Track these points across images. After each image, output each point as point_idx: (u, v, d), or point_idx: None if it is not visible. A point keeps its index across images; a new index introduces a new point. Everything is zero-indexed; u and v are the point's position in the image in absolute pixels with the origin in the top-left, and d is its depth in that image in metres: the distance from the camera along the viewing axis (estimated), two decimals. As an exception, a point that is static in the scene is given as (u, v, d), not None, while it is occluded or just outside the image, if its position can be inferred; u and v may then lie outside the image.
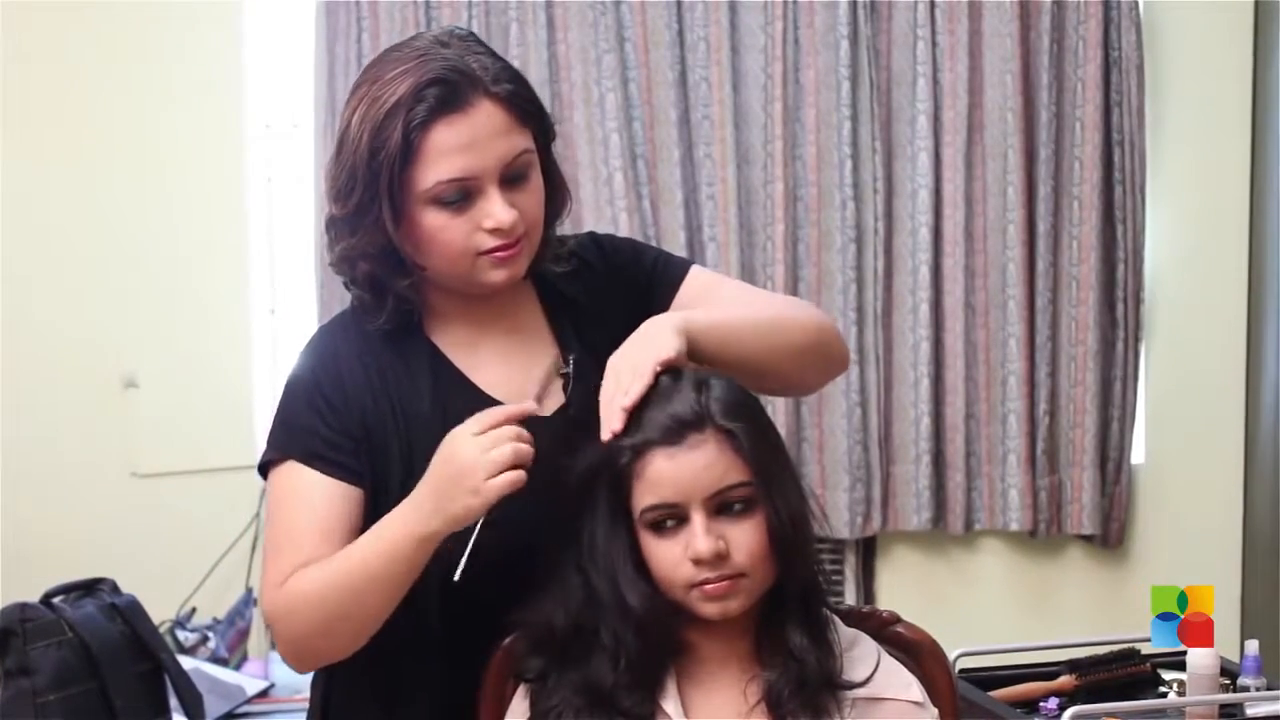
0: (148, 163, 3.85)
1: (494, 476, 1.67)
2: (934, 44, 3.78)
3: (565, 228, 1.97)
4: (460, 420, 1.74)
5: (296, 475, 1.81)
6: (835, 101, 3.77)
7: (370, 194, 1.77)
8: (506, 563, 1.73)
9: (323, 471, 1.80)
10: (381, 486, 1.81)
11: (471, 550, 1.70)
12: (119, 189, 3.84)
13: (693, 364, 1.74)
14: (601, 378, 1.73)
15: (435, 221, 1.78)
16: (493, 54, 1.83)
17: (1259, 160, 3.84)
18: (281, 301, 3.99)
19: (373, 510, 1.79)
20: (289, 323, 3.98)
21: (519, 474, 1.68)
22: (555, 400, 1.86)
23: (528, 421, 1.75)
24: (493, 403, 1.82)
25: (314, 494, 1.80)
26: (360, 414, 1.82)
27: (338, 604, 1.75)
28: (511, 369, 1.87)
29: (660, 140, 3.78)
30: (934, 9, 3.77)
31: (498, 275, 1.81)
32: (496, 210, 1.77)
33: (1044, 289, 3.82)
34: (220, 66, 3.88)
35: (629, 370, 1.70)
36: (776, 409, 3.65)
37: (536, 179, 1.83)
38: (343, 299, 3.71)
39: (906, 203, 3.82)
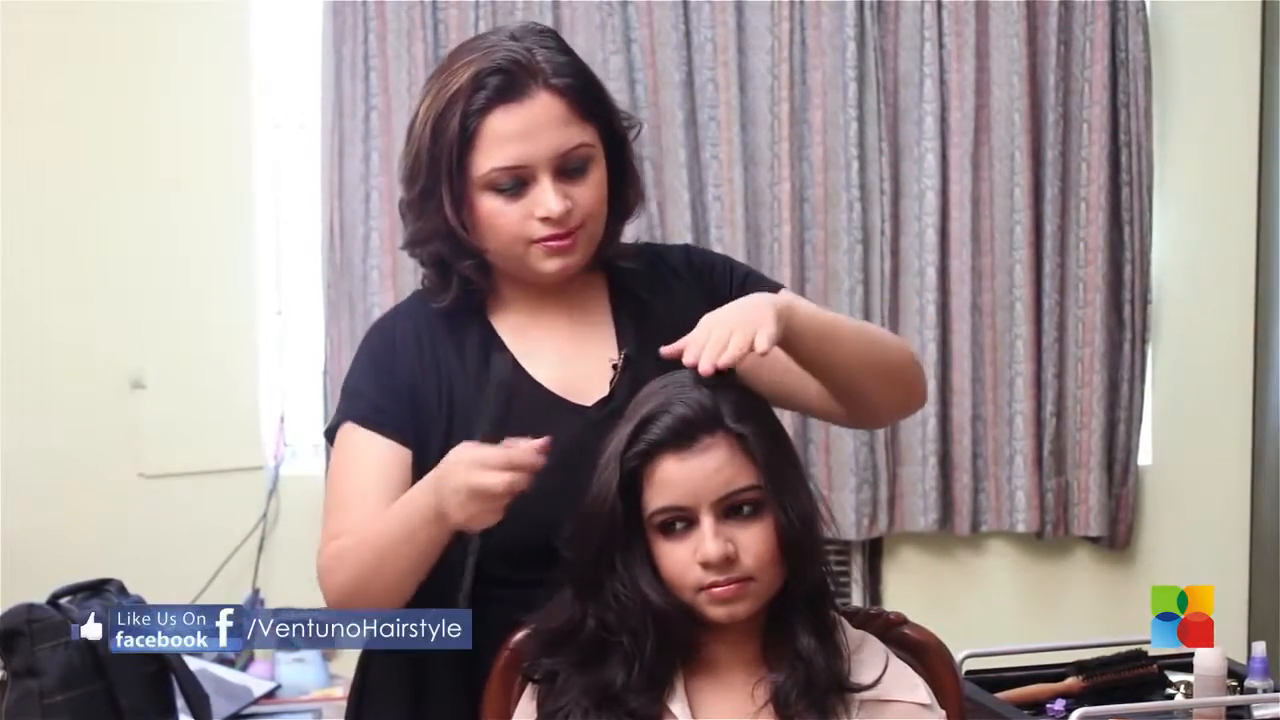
0: (154, 162, 3.85)
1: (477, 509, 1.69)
2: (941, 45, 3.78)
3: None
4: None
5: (349, 437, 1.88)
6: (842, 102, 3.77)
7: (433, 179, 1.85)
8: (542, 553, 1.75)
9: (373, 430, 1.86)
10: (423, 454, 1.84)
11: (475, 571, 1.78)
12: (125, 188, 3.84)
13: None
14: (652, 379, 1.74)
15: (491, 207, 1.84)
16: (564, 50, 1.89)
17: (1266, 161, 3.83)
18: (288, 302, 3.99)
19: (416, 480, 1.82)
20: (295, 324, 3.99)
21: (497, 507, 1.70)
22: (600, 390, 1.88)
23: (567, 410, 1.82)
24: (539, 389, 1.87)
25: (362, 453, 1.86)
26: (409, 379, 1.87)
27: (368, 565, 1.79)
28: (565, 359, 1.90)
29: (666, 141, 3.77)
30: (941, 10, 3.77)
31: (551, 265, 1.85)
32: (548, 200, 1.82)
33: (1051, 290, 3.81)
34: (227, 65, 3.88)
35: (724, 332, 1.68)
36: (783, 410, 3.64)
37: (597, 174, 1.87)
38: (350, 301, 3.78)
39: (913, 204, 3.82)
